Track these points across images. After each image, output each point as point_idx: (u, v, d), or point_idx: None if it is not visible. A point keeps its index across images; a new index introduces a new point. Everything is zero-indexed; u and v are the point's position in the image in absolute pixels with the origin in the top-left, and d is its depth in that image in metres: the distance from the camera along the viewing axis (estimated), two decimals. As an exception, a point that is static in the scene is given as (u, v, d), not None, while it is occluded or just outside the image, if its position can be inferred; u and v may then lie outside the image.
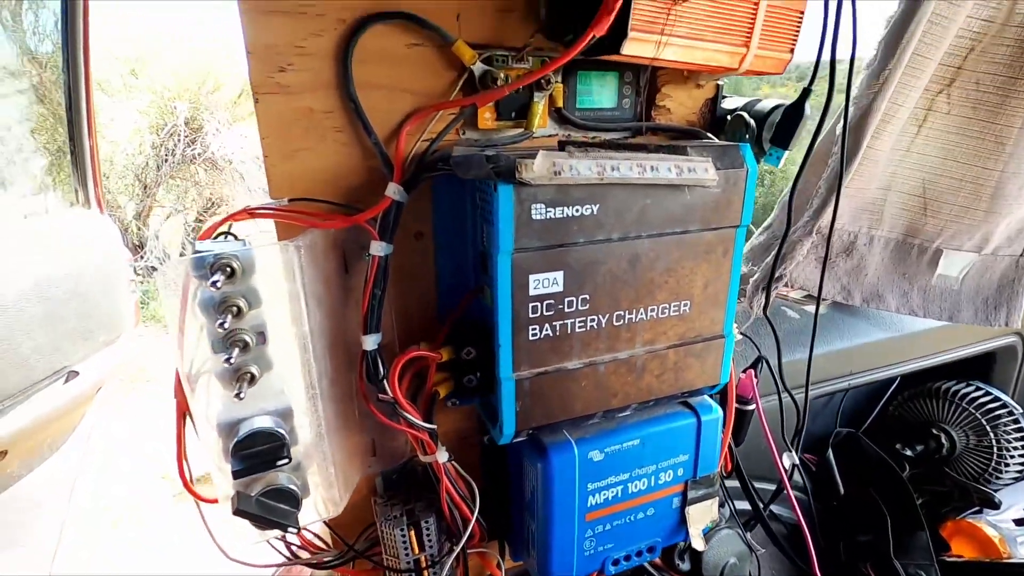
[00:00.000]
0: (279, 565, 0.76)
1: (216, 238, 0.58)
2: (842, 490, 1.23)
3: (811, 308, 1.16)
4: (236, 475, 0.55)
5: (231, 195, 5.49)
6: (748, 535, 0.88)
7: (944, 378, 1.35)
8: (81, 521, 2.59)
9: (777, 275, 0.96)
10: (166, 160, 5.27)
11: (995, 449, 1.27)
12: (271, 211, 0.56)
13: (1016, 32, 0.91)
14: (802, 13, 0.62)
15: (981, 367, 1.36)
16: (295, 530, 0.62)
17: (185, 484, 0.60)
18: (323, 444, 0.62)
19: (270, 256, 0.52)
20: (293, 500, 0.58)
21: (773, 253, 0.97)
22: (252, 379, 0.53)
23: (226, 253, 0.49)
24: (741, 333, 1.00)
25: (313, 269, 0.57)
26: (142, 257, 5.32)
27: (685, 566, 0.82)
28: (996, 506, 1.25)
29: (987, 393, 1.31)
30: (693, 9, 0.56)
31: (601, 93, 0.69)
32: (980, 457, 1.30)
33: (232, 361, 0.50)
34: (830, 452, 1.19)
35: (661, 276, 0.64)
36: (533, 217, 0.55)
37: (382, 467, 0.74)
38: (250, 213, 0.56)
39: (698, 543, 0.79)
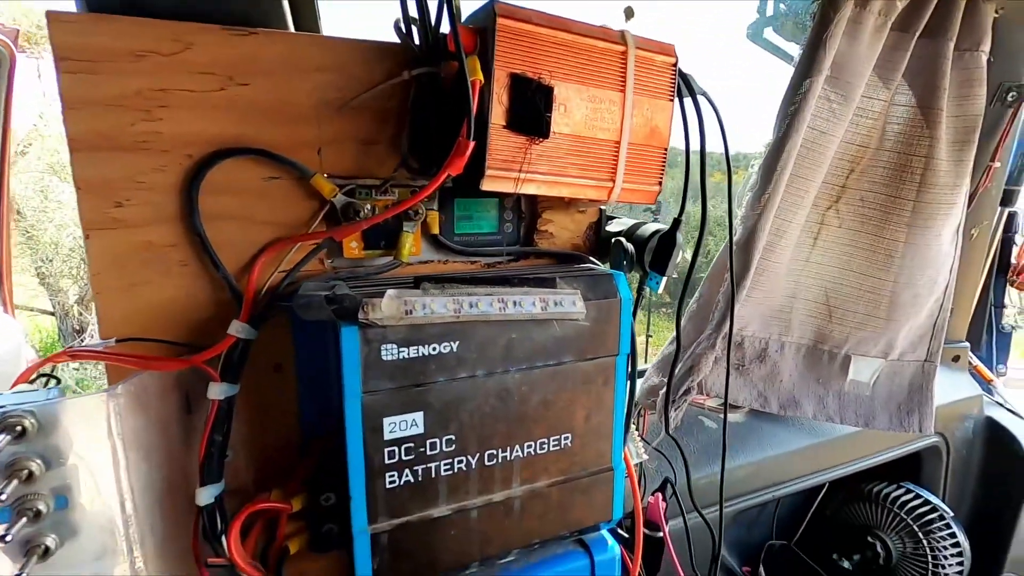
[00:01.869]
0: None
1: (34, 381, 0.52)
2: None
3: (730, 417, 1.14)
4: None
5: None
6: None
7: (875, 479, 1.33)
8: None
9: (685, 388, 0.94)
10: (115, 242, 5.16)
11: (929, 557, 1.23)
12: (95, 353, 0.51)
13: (888, 156, 0.98)
14: (665, 150, 0.64)
15: (909, 467, 1.35)
16: None
17: None
18: (150, 616, 0.53)
19: (79, 408, 0.47)
20: None
21: (680, 366, 0.96)
22: (46, 552, 0.46)
23: (15, 410, 0.44)
24: (655, 448, 0.96)
25: (141, 416, 0.51)
26: (81, 342, 5.06)
27: None
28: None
29: (917, 496, 1.29)
30: (552, 149, 0.57)
31: (481, 219, 0.69)
32: (916, 565, 1.25)
33: (8, 538, 0.43)
34: (761, 568, 1.13)
35: (537, 410, 0.60)
36: (383, 358, 0.52)
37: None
38: (71, 355, 0.51)
39: None
